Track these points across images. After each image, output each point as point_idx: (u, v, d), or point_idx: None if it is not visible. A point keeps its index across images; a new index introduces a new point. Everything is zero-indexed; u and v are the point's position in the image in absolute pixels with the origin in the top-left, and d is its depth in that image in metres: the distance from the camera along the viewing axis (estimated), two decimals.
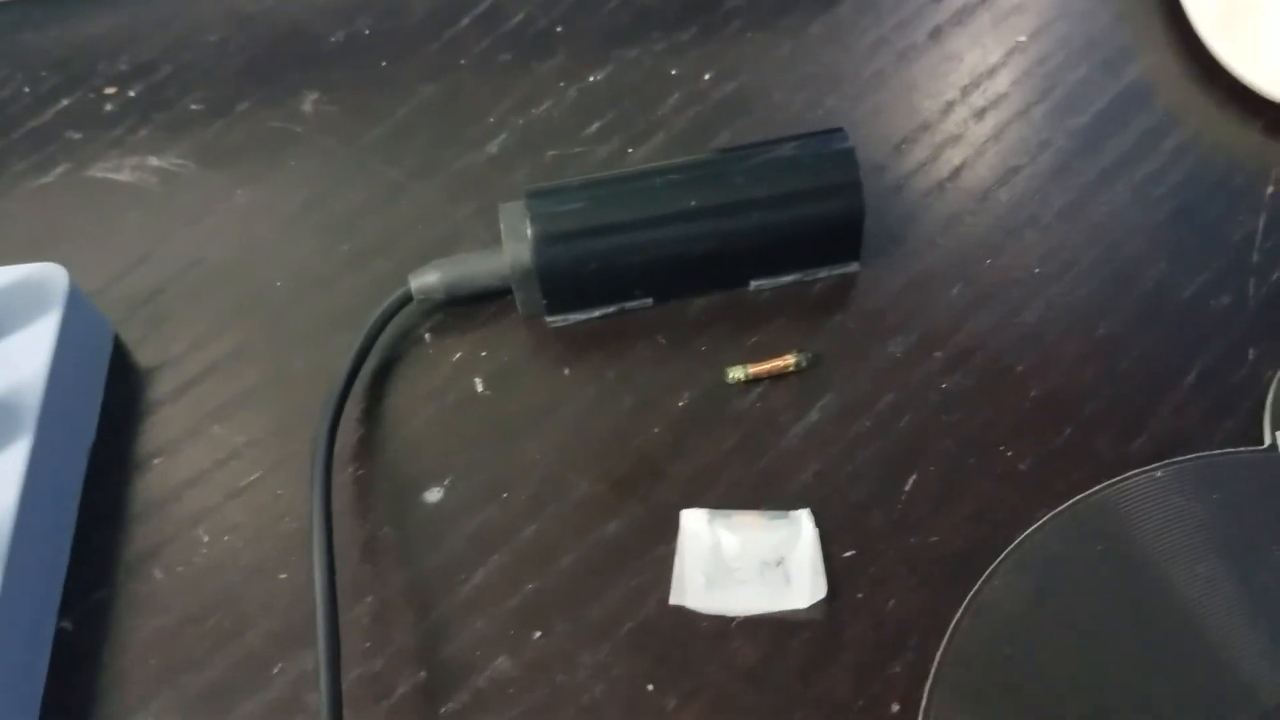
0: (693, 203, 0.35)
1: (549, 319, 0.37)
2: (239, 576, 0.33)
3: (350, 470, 0.34)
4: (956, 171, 0.39)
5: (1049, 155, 0.40)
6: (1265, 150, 0.39)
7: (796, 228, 0.35)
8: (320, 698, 0.28)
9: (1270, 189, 0.38)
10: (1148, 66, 0.41)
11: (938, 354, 0.35)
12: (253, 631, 0.32)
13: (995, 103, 0.41)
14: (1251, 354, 0.35)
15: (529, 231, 0.35)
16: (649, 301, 0.37)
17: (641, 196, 0.35)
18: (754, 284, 0.37)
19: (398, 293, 0.36)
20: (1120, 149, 0.40)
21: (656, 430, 0.35)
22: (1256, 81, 0.40)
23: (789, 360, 0.35)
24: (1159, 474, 0.32)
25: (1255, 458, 0.33)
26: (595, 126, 0.41)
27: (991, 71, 0.42)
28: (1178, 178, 0.39)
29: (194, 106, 0.43)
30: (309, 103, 0.43)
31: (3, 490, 0.31)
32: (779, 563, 0.32)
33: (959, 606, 0.31)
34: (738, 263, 0.36)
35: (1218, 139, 0.40)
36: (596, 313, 0.37)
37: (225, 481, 0.34)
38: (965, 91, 0.41)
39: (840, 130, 0.36)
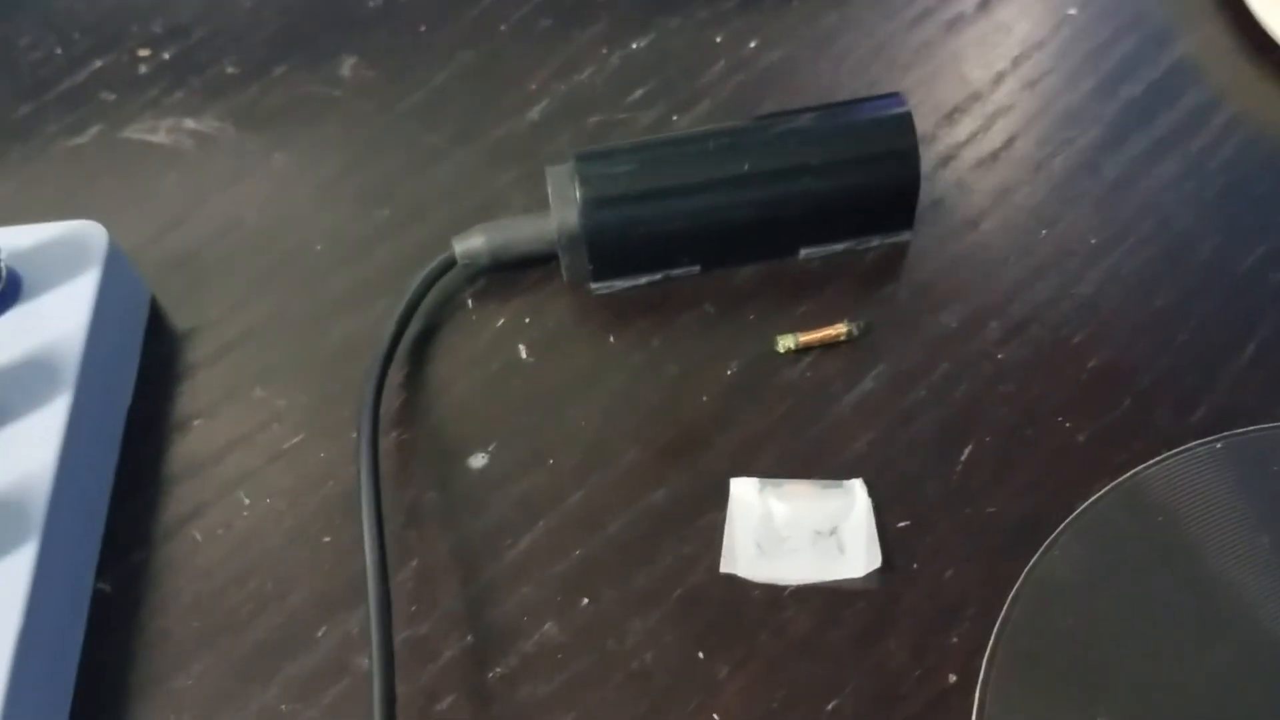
0: (745, 167, 0.34)
1: (594, 285, 0.36)
2: (281, 539, 0.32)
3: (394, 435, 0.34)
4: (1009, 142, 0.39)
5: (1100, 128, 0.39)
6: None
7: (849, 194, 0.35)
8: (372, 658, 0.28)
9: None
10: (1198, 40, 0.41)
11: (993, 324, 0.35)
12: (296, 594, 0.31)
13: (1046, 74, 0.40)
14: None
15: (577, 194, 0.34)
16: (696, 269, 0.36)
17: (692, 160, 0.35)
18: (804, 252, 0.36)
19: (441, 256, 0.36)
20: (1171, 123, 0.39)
21: (704, 399, 0.34)
22: None
23: (840, 329, 0.35)
24: (1219, 446, 0.32)
25: None
26: (638, 94, 0.41)
27: (1041, 44, 0.41)
28: (1229, 152, 0.38)
29: (229, 70, 0.42)
30: (347, 67, 0.42)
31: (42, 448, 0.31)
32: (832, 532, 0.32)
33: (1017, 578, 0.30)
34: (788, 230, 0.36)
35: (1271, 114, 0.39)
36: (643, 280, 0.36)
37: (266, 444, 0.34)
38: (1015, 62, 0.41)
39: (897, 95, 0.35)
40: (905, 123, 0.34)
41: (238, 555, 0.32)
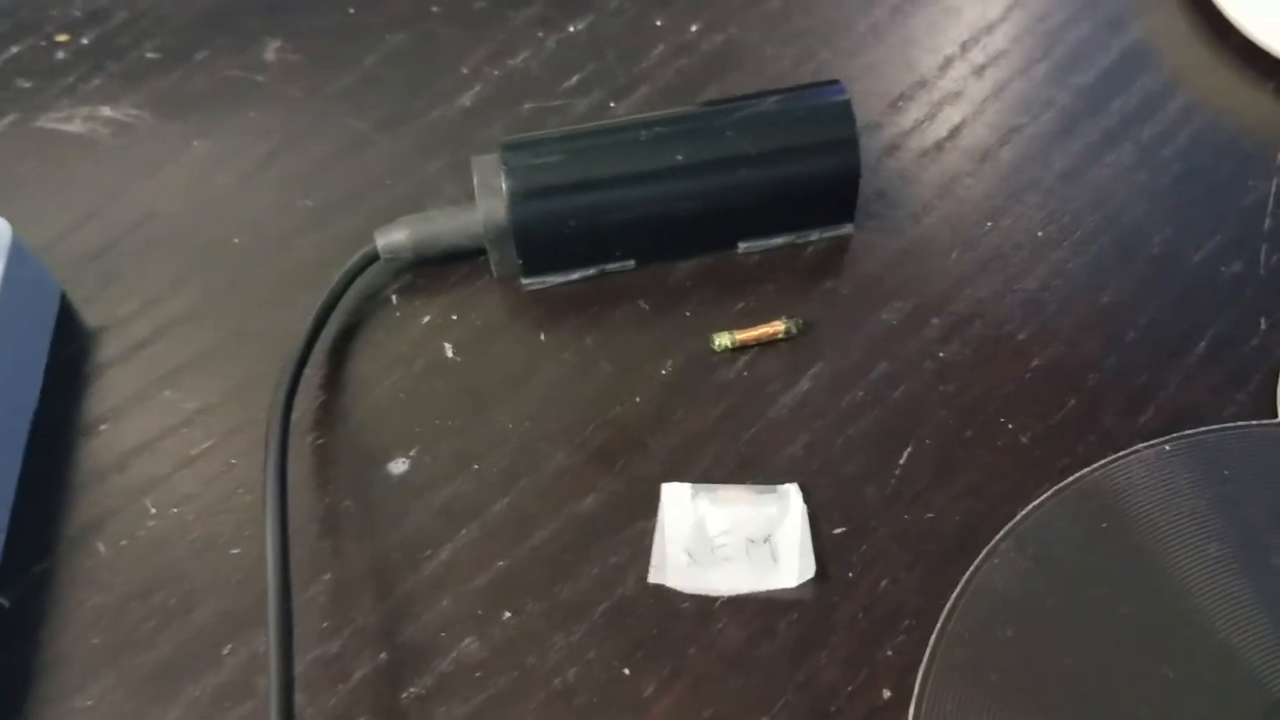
0: (679, 158, 0.33)
1: (524, 281, 0.35)
2: (188, 551, 0.31)
3: (310, 439, 0.32)
4: (955, 131, 0.37)
5: (1051, 115, 0.38)
6: (1277, 112, 0.37)
7: (788, 186, 0.34)
8: (270, 682, 0.26)
9: None
10: (1154, 24, 0.40)
11: (934, 321, 0.34)
12: (202, 610, 0.30)
13: (995, 59, 0.39)
14: (1264, 323, 0.33)
15: (504, 186, 0.33)
16: (631, 264, 0.35)
17: (625, 150, 0.33)
18: (742, 246, 0.35)
19: (363, 251, 0.34)
20: (1125, 109, 0.38)
21: (637, 400, 0.33)
22: (1268, 40, 0.38)
23: (778, 327, 0.33)
24: (1167, 448, 0.31)
25: (1268, 432, 0.31)
26: (575, 79, 0.39)
27: (991, 27, 0.40)
28: (1185, 140, 0.37)
29: (150, 55, 0.41)
30: (271, 51, 0.40)
31: None
32: (766, 539, 0.30)
33: (955, 587, 0.29)
34: (726, 223, 0.34)
35: (1227, 100, 0.38)
36: (575, 275, 0.35)
37: (175, 450, 0.32)
38: (965, 47, 0.39)
39: (836, 82, 0.34)
40: (844, 111, 0.33)
41: (142, 568, 0.30)
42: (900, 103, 0.38)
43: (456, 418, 0.33)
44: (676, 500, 0.31)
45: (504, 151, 0.33)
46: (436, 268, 0.35)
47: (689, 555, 0.30)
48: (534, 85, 0.39)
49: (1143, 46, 0.39)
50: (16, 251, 0.33)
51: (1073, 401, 0.32)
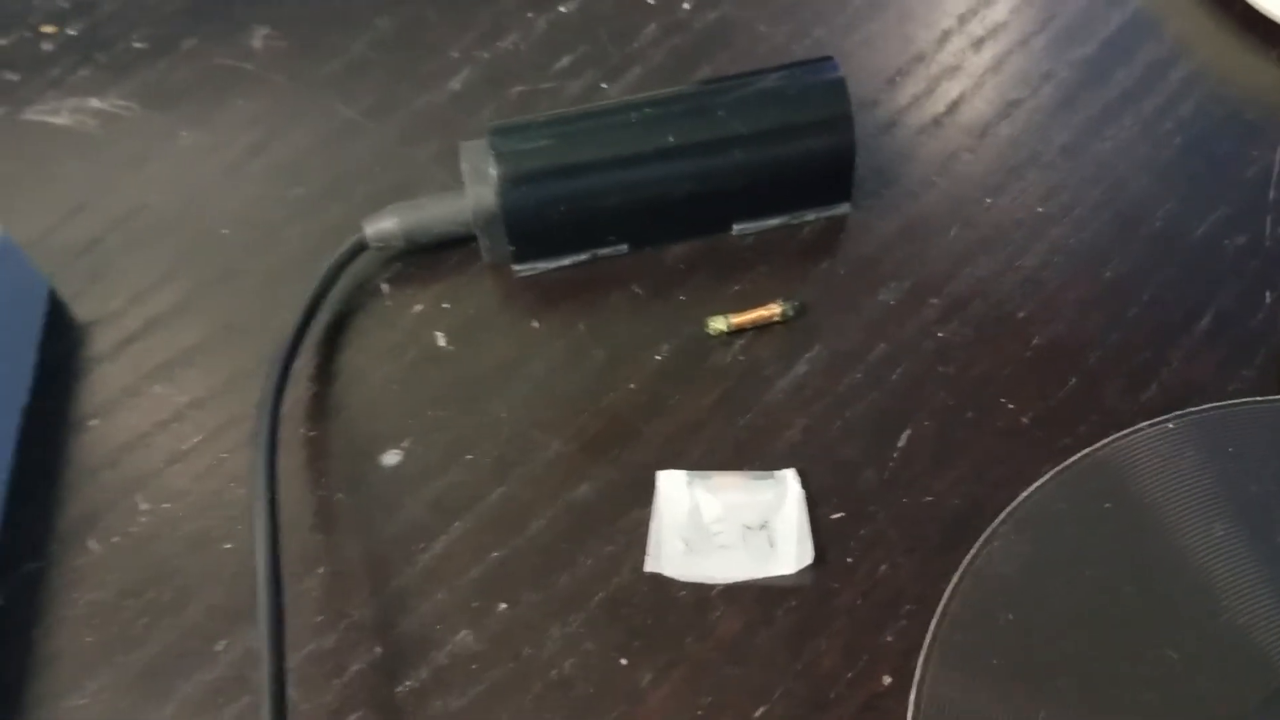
0: (670, 139, 0.32)
1: (516, 267, 0.34)
2: (180, 547, 0.30)
3: (301, 432, 0.32)
4: (954, 106, 0.37)
5: (1051, 88, 0.37)
6: None
7: (782, 166, 0.33)
8: (263, 677, 0.26)
9: None
10: None
11: (933, 301, 0.33)
12: (194, 606, 0.30)
13: (994, 32, 0.38)
14: (1269, 297, 0.33)
15: (493, 172, 0.32)
16: (624, 248, 0.35)
17: (615, 133, 0.33)
18: (737, 228, 0.35)
19: (352, 240, 0.34)
20: (1126, 81, 0.37)
21: (632, 386, 0.33)
22: (1271, 8, 0.37)
23: (774, 310, 0.33)
24: (1170, 426, 0.30)
25: (1274, 408, 0.31)
26: (566, 60, 0.39)
27: None
28: (1188, 111, 0.37)
29: (137, 45, 0.40)
30: (258, 38, 0.40)
31: None
32: (763, 526, 0.30)
33: (955, 571, 0.29)
34: (719, 205, 0.34)
35: (1230, 70, 0.37)
36: (567, 260, 0.34)
37: (166, 445, 0.32)
38: (962, 20, 0.39)
39: (830, 59, 0.33)
40: (839, 89, 0.33)
41: (134, 565, 0.30)
42: (897, 78, 0.37)
43: (449, 408, 0.32)
44: (672, 488, 0.31)
45: (492, 136, 0.33)
46: (427, 256, 0.35)
47: (685, 543, 0.30)
48: (524, 67, 0.39)
49: (1143, 16, 0.38)
50: (4, 247, 0.33)
51: (1074, 380, 0.32)
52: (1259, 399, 0.31)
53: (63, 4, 0.42)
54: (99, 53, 0.40)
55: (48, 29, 0.41)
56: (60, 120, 0.39)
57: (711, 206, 0.34)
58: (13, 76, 0.40)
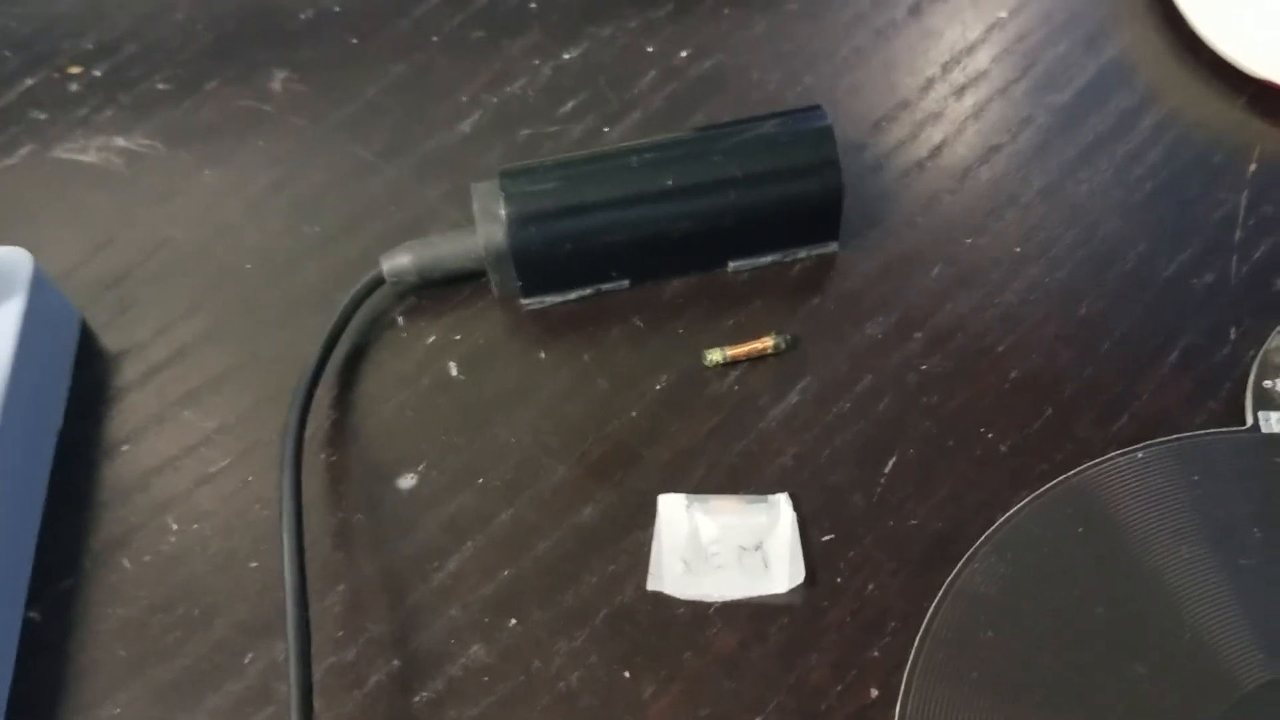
0: (669, 182, 0.34)
1: (524, 301, 0.36)
2: (208, 565, 0.32)
3: (322, 457, 0.34)
4: (936, 150, 0.39)
5: (1029, 133, 0.39)
6: (1247, 127, 0.39)
7: (774, 207, 0.35)
8: (290, 688, 0.28)
9: (1253, 166, 0.38)
10: (1129, 42, 0.41)
11: (917, 335, 0.35)
12: (222, 621, 0.31)
13: (975, 80, 0.40)
14: (1234, 333, 0.35)
15: (503, 212, 0.34)
16: (625, 283, 0.36)
17: (617, 176, 0.35)
18: (732, 265, 0.36)
19: (369, 275, 0.35)
20: (1101, 126, 0.39)
21: (633, 414, 0.34)
22: (1238, 57, 0.39)
23: (767, 342, 0.35)
24: (1140, 455, 0.32)
25: (1238, 438, 0.32)
26: (570, 105, 0.40)
27: (972, 48, 0.41)
28: (1159, 155, 0.39)
29: (160, 86, 0.42)
30: (278, 81, 0.42)
31: None
32: (757, 547, 0.32)
33: (938, 590, 0.30)
34: (715, 243, 0.36)
35: (1199, 116, 0.39)
36: (572, 295, 0.36)
37: (194, 468, 0.34)
38: (945, 68, 0.41)
39: (818, 108, 0.35)
40: (826, 136, 0.34)
41: (165, 582, 0.32)
42: (883, 123, 0.39)
43: (461, 434, 0.34)
44: (673, 510, 0.32)
45: (502, 178, 0.35)
46: (440, 290, 0.37)
47: (685, 563, 0.32)
48: (530, 112, 0.40)
49: (1117, 64, 0.40)
50: (37, 280, 0.34)
51: (1050, 411, 0.34)
52: (1224, 429, 0.33)
53: (88, 45, 0.43)
54: (123, 93, 0.42)
55: (74, 70, 0.43)
56: (88, 158, 0.40)
57: (708, 245, 0.36)
58: (41, 115, 0.42)
